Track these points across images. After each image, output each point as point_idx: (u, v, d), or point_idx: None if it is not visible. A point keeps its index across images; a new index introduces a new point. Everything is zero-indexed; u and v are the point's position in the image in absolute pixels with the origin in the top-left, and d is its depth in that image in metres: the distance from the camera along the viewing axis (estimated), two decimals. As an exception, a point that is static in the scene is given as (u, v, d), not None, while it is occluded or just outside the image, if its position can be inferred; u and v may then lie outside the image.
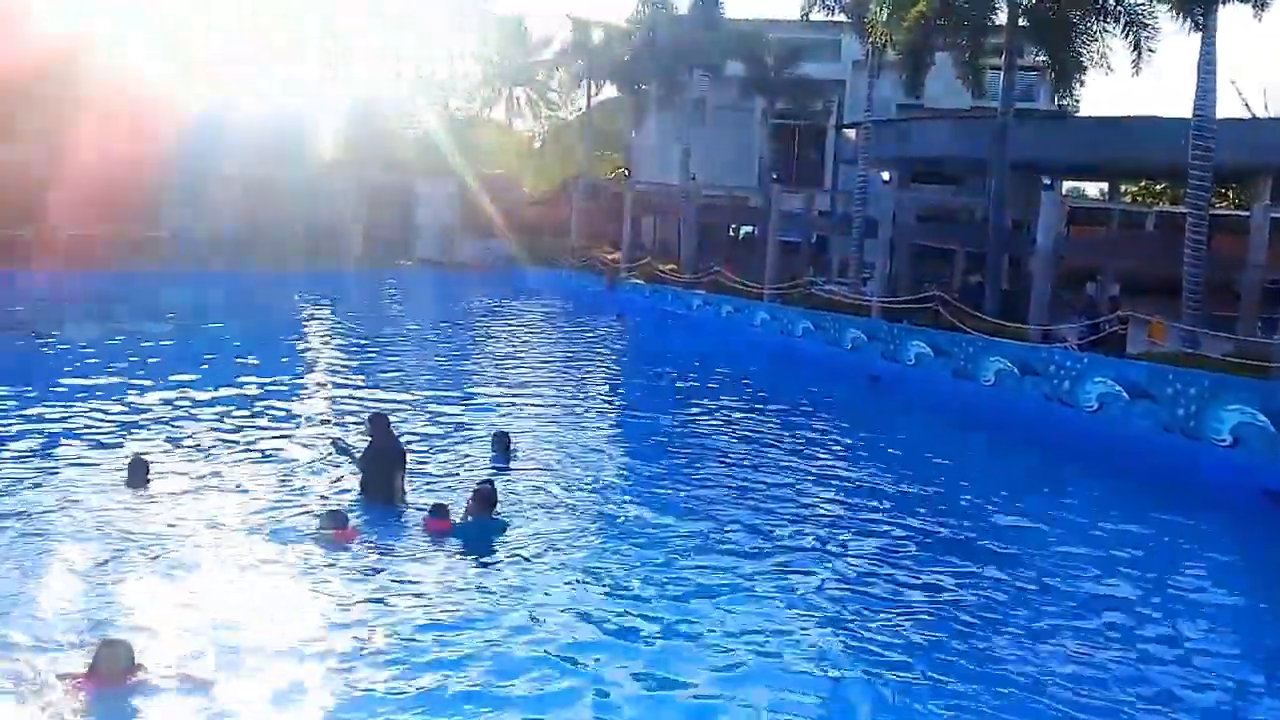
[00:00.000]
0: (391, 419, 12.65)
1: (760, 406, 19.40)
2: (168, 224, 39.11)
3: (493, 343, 27.49)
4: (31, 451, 12.98)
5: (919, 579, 10.18)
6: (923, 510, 12.61)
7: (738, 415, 18.38)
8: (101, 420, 14.85)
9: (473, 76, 60.58)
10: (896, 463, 15.28)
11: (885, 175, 29.03)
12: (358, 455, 11.80)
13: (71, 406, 15.62)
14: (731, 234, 44.97)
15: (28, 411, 15.10)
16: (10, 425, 14.20)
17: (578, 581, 9.54)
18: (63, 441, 13.58)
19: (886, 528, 11.85)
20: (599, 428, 16.96)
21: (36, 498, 11.02)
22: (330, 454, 12.78)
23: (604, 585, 9.47)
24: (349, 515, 10.55)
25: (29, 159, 36.52)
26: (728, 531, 11.21)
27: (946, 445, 17.03)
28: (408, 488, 11.66)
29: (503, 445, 13.86)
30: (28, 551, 9.44)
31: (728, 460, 14.70)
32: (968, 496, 13.65)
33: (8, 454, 12.80)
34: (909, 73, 26.84)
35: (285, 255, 38.58)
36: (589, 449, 14.99)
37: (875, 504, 12.91)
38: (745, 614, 8.96)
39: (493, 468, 13.28)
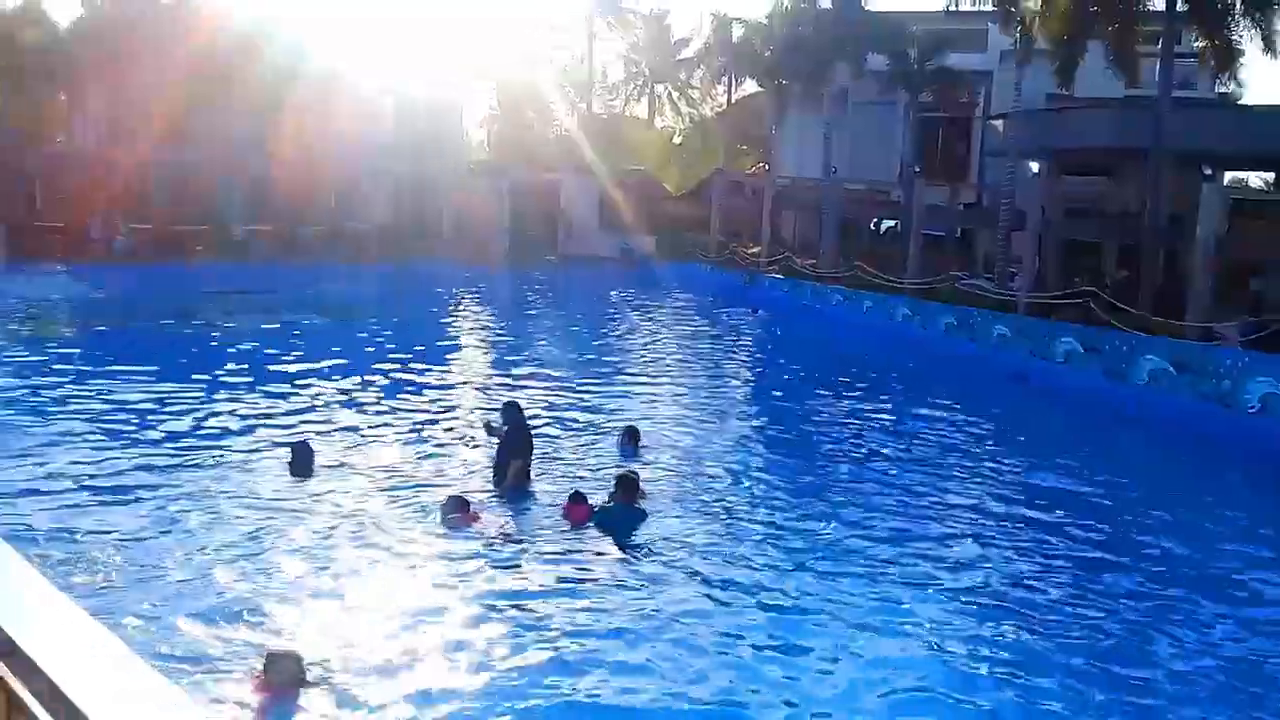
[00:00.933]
0: (525, 408, 13.05)
1: (900, 404, 19.17)
2: (324, 220, 40.75)
3: (631, 337, 27.83)
4: (200, 438, 13.79)
5: (1071, 586, 9.89)
6: (1073, 514, 12.22)
7: (876, 412, 18.21)
8: (266, 408, 15.68)
9: (615, 75, 61.32)
10: (1045, 464, 14.86)
11: (1034, 167, 28.23)
12: (501, 438, 12.20)
13: (238, 395, 16.55)
14: (873, 228, 44.35)
15: (198, 399, 16.09)
16: (181, 413, 15.12)
17: (710, 576, 9.59)
18: (230, 428, 14.40)
19: (1035, 532, 11.51)
20: (735, 422, 17.02)
21: (206, 485, 11.57)
22: (476, 438, 13.20)
23: (736, 582, 9.47)
24: (470, 500, 10.84)
25: (201, 159, 38.66)
26: (863, 530, 11.11)
27: (1098, 447, 16.49)
28: (533, 474, 12.00)
29: (632, 440, 14.06)
30: (197, 542, 9.78)
31: (865, 458, 14.59)
32: (1121, 501, 13.21)
33: (179, 442, 13.64)
34: (1059, 62, 26.06)
35: (433, 251, 39.83)
36: (724, 443, 15.09)
37: (1022, 507, 12.54)
38: (882, 616, 8.87)
39: (621, 460, 13.52)
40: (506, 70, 52.72)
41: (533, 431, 12.71)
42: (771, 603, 9.00)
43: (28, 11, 41.16)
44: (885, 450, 15.05)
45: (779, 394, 20.45)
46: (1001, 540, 11.15)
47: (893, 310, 27.79)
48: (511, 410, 12.43)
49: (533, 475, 12.03)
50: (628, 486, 10.95)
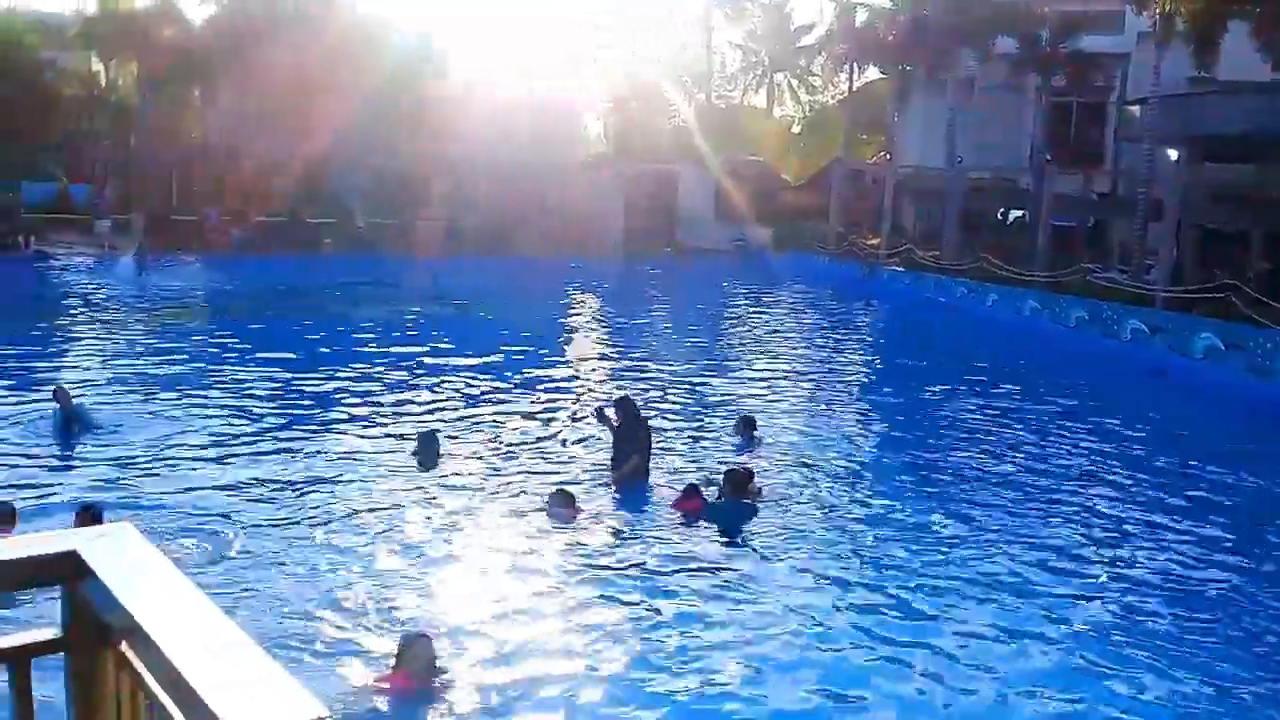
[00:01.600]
0: (639, 400, 12.94)
1: (1027, 401, 18.45)
2: (443, 212, 41.40)
3: (747, 328, 27.52)
4: (327, 426, 14.06)
5: (1211, 594, 9.35)
6: (1213, 520, 11.54)
7: (1001, 408, 17.56)
8: (389, 398, 15.92)
9: (734, 64, 60.87)
10: (1182, 465, 14.11)
11: (1173, 154, 26.94)
12: (615, 429, 12.10)
13: (363, 384, 16.87)
14: (999, 218, 43.02)
15: (324, 387, 16.43)
16: (308, 401, 15.46)
17: (820, 574, 9.33)
18: (355, 417, 14.63)
19: (1170, 536, 10.88)
20: (852, 416, 16.64)
21: (332, 473, 11.74)
22: (588, 427, 13.14)
23: (846, 582, 9.19)
24: (575, 494, 10.77)
25: (328, 153, 39.63)
26: (984, 534, 10.65)
27: (1241, 448, 15.57)
28: (650, 467, 11.88)
29: (748, 428, 13.83)
30: (327, 531, 9.88)
31: (989, 455, 14.05)
32: (1266, 507, 12.45)
33: (306, 428, 13.93)
34: (1200, 44, 24.76)
35: (551, 242, 40.08)
36: (841, 437, 14.74)
37: (1156, 510, 11.89)
38: (1005, 620, 8.48)
39: (736, 450, 13.32)
40: (624, 62, 52.76)
41: (649, 425, 12.56)
42: (882, 605, 8.68)
43: (165, 10, 42.78)
44: (1011, 450, 14.46)
45: (898, 389, 19.90)
46: (1142, 547, 10.56)
47: (1020, 304, 26.86)
48: (626, 404, 12.32)
49: (649, 469, 11.90)
50: (737, 482, 10.73)
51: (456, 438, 13.37)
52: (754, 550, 9.87)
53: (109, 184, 41.35)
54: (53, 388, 13.62)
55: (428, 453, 12.11)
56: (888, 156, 43.78)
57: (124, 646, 1.84)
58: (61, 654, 2.03)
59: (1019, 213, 41.17)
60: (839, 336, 26.50)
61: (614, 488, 11.48)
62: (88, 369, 17.89)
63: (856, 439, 14.84)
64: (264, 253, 35.30)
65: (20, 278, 30.22)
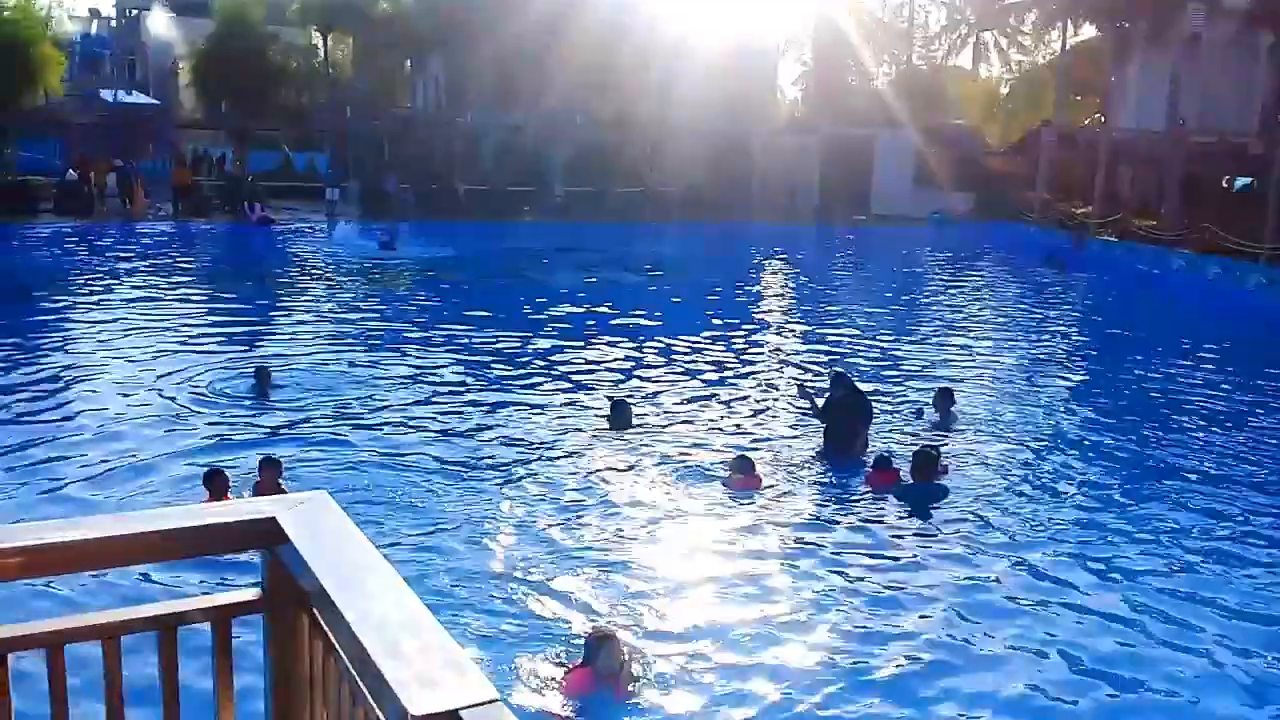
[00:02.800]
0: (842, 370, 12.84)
1: (1248, 381, 17.27)
2: (636, 180, 41.82)
3: (947, 299, 26.75)
4: (518, 393, 14.47)
5: None
6: None
7: (1220, 390, 16.51)
8: (584, 362, 16.35)
9: (936, 23, 58.87)
10: None
11: None
12: (820, 405, 12.03)
13: (559, 348, 17.35)
14: (1225, 186, 40.23)
15: (516, 354, 16.98)
16: (499, 368, 16.00)
17: (1012, 560, 9.04)
18: (552, 381, 15.07)
19: None
20: (1056, 394, 15.95)
21: (524, 441, 12.00)
22: (795, 397, 13.13)
23: (1039, 571, 8.85)
24: (755, 462, 10.75)
25: (527, 122, 40.69)
26: (1194, 528, 9.98)
27: None
28: (869, 442, 11.78)
29: (946, 402, 13.49)
30: (517, 502, 9.99)
31: (1204, 439, 13.24)
32: None
33: (497, 394, 14.41)
34: None
35: (745, 209, 39.95)
36: (1043, 416, 14.20)
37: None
38: (1220, 617, 8.04)
39: (933, 426, 13.04)
40: (821, 24, 51.73)
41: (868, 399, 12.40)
42: (1075, 600, 8.26)
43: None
44: (1229, 437, 13.56)
45: (1108, 367, 18.95)
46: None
47: (1244, 278, 25.13)
48: (842, 379, 12.24)
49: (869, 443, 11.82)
50: (924, 464, 10.49)
51: (649, 405, 13.58)
52: (940, 529, 9.67)
53: (326, 153, 43.67)
54: (255, 367, 14.29)
55: (620, 420, 12.32)
56: (1102, 119, 41.56)
57: (316, 612, 1.94)
58: (260, 615, 2.17)
59: (1247, 180, 38.40)
60: (1044, 309, 25.43)
61: (827, 461, 11.44)
62: (296, 329, 19.01)
63: (1061, 420, 14.22)
64: (479, 219, 36.50)
65: (246, 242, 32.35)
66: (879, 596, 8.25)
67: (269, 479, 9.27)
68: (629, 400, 12.96)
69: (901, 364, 17.29)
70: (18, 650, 2.03)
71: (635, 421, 12.47)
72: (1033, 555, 9.17)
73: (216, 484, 9.12)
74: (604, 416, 12.55)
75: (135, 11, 58.06)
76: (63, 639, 2.06)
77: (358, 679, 1.70)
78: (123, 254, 29.24)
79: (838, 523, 9.83)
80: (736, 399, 14.45)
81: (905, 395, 14.95)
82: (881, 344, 19.01)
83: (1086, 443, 13.04)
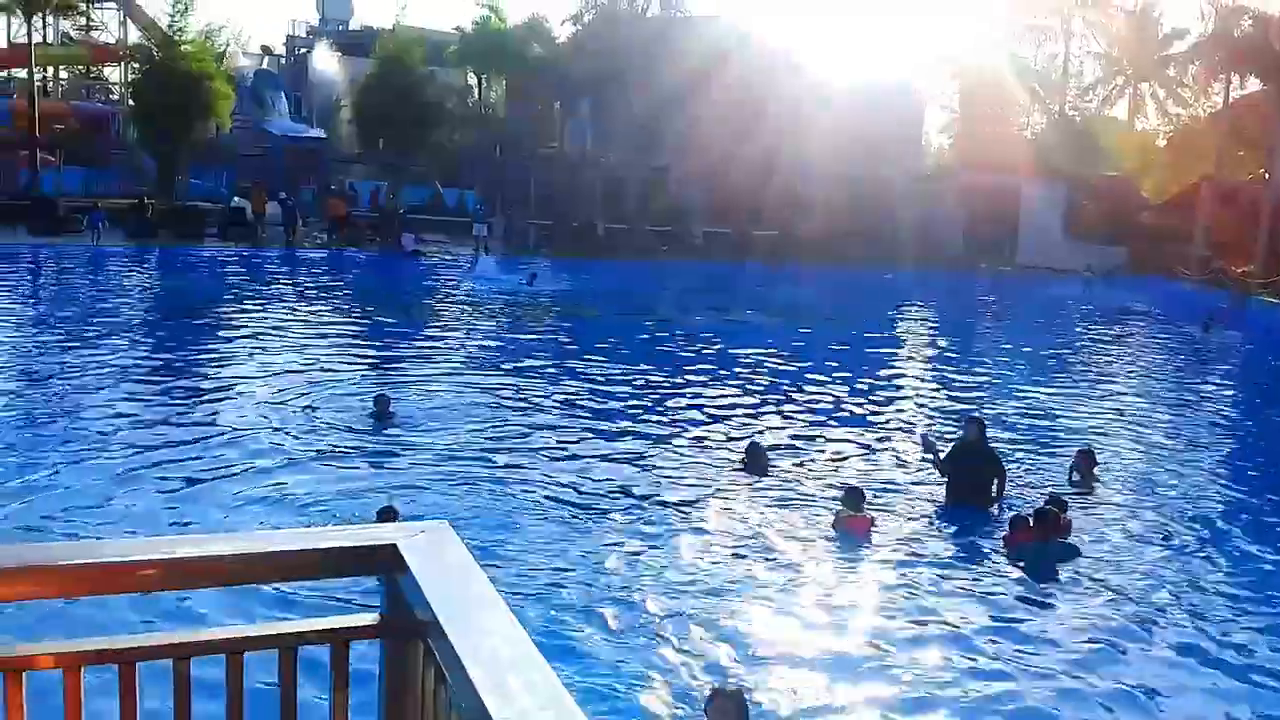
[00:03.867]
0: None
1: None
2: (774, 223, 41.78)
3: (1094, 356, 25.87)
4: (657, 429, 14.53)
5: None
6: None
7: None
8: (719, 403, 16.30)
9: (1092, 73, 57.39)
10: None
11: None
12: (942, 456, 11.80)
13: (695, 388, 17.44)
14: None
15: (658, 388, 17.09)
16: (638, 405, 16.11)
17: (1147, 633, 8.62)
18: (684, 421, 15.07)
19: None
20: (1204, 463, 15.15)
21: (652, 479, 12.04)
22: (920, 450, 12.91)
23: (1174, 642, 8.48)
24: (865, 499, 10.62)
25: (670, 164, 41.21)
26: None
27: None
28: (998, 496, 11.49)
29: (1086, 464, 13.03)
30: (644, 541, 9.97)
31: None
32: None
33: (637, 431, 14.52)
34: None
35: (883, 255, 39.46)
36: (1188, 485, 13.54)
37: None
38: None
39: (1073, 487, 12.60)
40: (970, 71, 50.99)
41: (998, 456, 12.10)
42: (1204, 684, 7.85)
43: (532, 28, 45.91)
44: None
45: (1263, 438, 18.01)
46: None
47: None
48: (975, 425, 12.00)
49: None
50: (1045, 521, 10.12)
51: (784, 450, 13.43)
52: (1069, 593, 9.31)
53: (475, 190, 44.99)
54: (375, 395, 14.46)
55: (756, 465, 12.22)
56: (1266, 175, 39.76)
57: (429, 641, 1.93)
58: (378, 640, 2.18)
59: None
60: (1197, 372, 24.35)
61: (949, 511, 11.20)
62: (431, 358, 19.51)
63: (1209, 492, 13.51)
64: (620, 257, 37.07)
65: (394, 272, 33.49)
66: (991, 658, 8.00)
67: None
68: (762, 444, 12.83)
69: (1041, 422, 16.77)
70: (144, 660, 2.10)
71: (770, 464, 12.35)
72: (1166, 634, 8.73)
73: (388, 520, 8.89)
74: (740, 460, 12.44)
75: (303, 50, 61.08)
76: (188, 652, 2.12)
77: (462, 713, 1.71)
78: (279, 279, 30.68)
79: (953, 579, 9.60)
80: (868, 447, 14.25)
81: (1044, 454, 14.48)
82: (1021, 400, 18.48)
83: (1235, 519, 12.39)
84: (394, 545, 2.12)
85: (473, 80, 51.42)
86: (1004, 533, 10.44)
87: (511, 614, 1.88)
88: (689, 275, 34.16)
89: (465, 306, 27.25)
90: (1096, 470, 13.01)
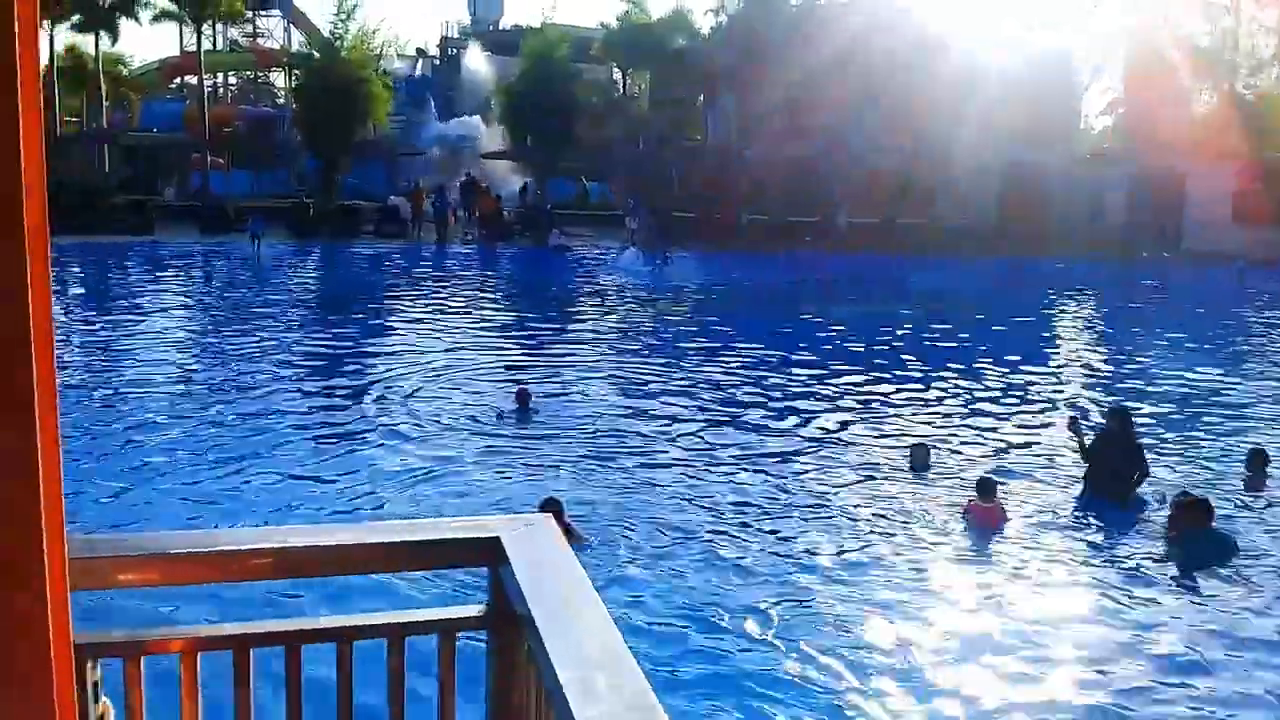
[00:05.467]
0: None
1: None
2: (930, 212, 40.83)
3: (1258, 349, 24.40)
4: (796, 424, 14.28)
5: None
6: None
7: None
8: (865, 397, 15.99)
9: (1267, 49, 54.05)
10: None
11: None
12: (1086, 444, 11.36)
13: (839, 381, 17.14)
14: None
15: (801, 381, 16.93)
16: (780, 398, 15.97)
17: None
18: (828, 416, 14.75)
19: None
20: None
21: (822, 477, 11.72)
22: (1070, 436, 12.41)
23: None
24: (999, 487, 10.25)
25: (815, 154, 40.75)
26: None
27: None
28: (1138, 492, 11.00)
29: (1259, 464, 12.30)
30: (789, 536, 9.74)
31: None
32: None
33: (776, 426, 14.38)
34: None
35: (1040, 243, 38.11)
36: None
37: None
38: None
39: (1244, 488, 11.94)
40: (1134, 49, 48.70)
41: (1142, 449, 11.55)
42: None
43: (676, 20, 46.02)
44: None
45: None
46: None
47: None
48: (1119, 417, 11.52)
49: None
50: (1197, 510, 9.55)
51: (943, 447, 12.90)
52: (1230, 588, 8.85)
53: (619, 184, 45.43)
54: (518, 388, 14.49)
55: (919, 462, 11.91)
56: None
57: (526, 634, 1.94)
58: (484, 632, 2.21)
59: None
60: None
61: (1089, 503, 10.79)
62: (569, 351, 19.67)
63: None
64: (763, 249, 36.94)
65: (541, 266, 34.12)
66: (1120, 653, 7.64)
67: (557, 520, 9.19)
68: (927, 444, 12.47)
69: (1205, 418, 15.91)
70: (259, 646, 2.18)
71: (934, 463, 11.99)
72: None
73: (549, 510, 9.02)
74: (908, 463, 12.06)
75: (456, 51, 62.70)
76: (301, 639, 2.20)
77: (550, 708, 1.72)
78: (429, 274, 31.63)
79: (1086, 570, 9.23)
80: (1016, 439, 13.73)
81: (1210, 452, 13.74)
82: (1184, 394, 17.59)
83: None
84: (497, 537, 2.16)
85: (617, 75, 51.89)
86: (1158, 519, 9.99)
87: (606, 611, 1.88)
88: (834, 266, 33.72)
89: (608, 300, 27.54)
90: (1268, 471, 12.27)
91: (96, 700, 2.08)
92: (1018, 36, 40.61)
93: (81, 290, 27.91)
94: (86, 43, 43.60)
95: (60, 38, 42.91)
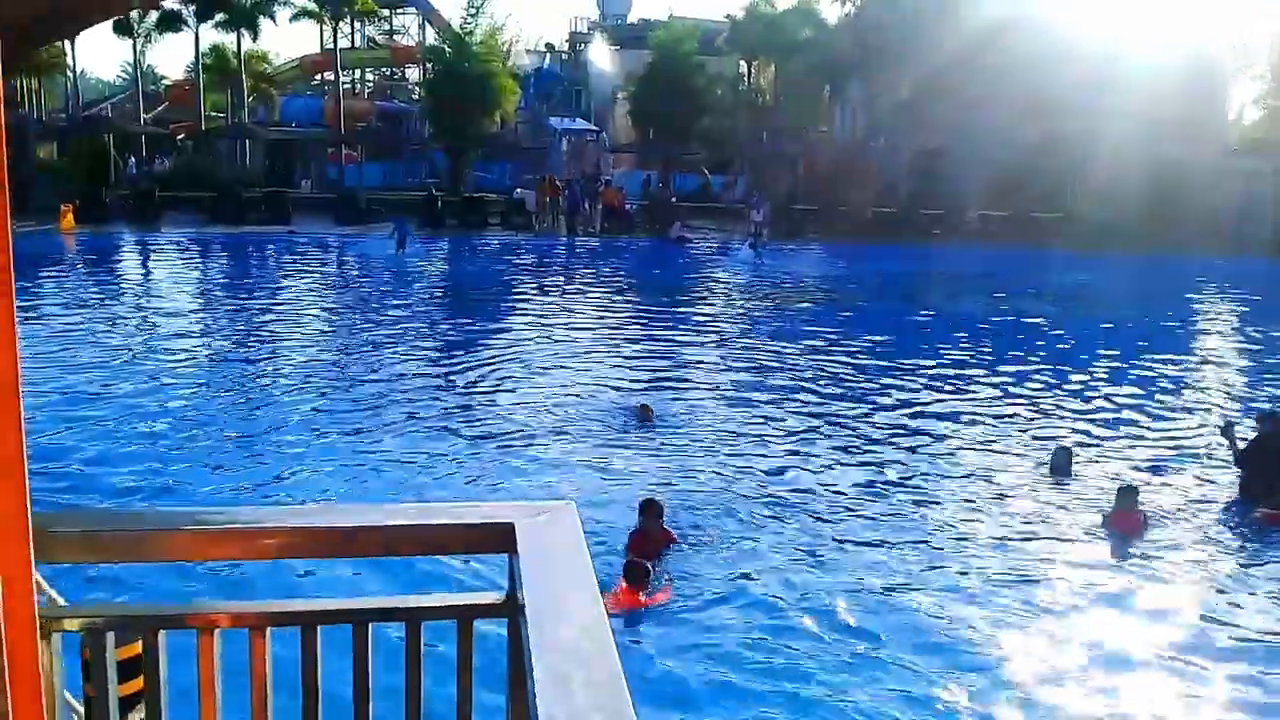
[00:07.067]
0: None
1: None
2: (1066, 205, 39.47)
3: None
4: (924, 422, 13.87)
5: None
6: None
7: None
8: (1007, 400, 15.30)
9: None
10: None
11: None
12: (1240, 450, 10.75)
13: (969, 378, 16.68)
14: None
15: (927, 378, 16.49)
16: (908, 394, 15.53)
17: None
18: (977, 417, 14.19)
19: None
20: None
21: (956, 481, 11.28)
22: (1221, 441, 11.74)
23: None
24: (1139, 498, 9.73)
25: (944, 146, 39.80)
26: None
27: None
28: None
29: None
30: (913, 540, 9.41)
31: None
32: None
33: (889, 427, 13.99)
34: None
35: (1186, 240, 36.40)
36: None
37: None
38: None
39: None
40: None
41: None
42: None
43: (803, 11, 45.50)
44: None
45: None
46: None
47: None
48: (1271, 422, 10.89)
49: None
50: None
51: (1081, 451, 12.21)
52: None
53: (740, 176, 45.16)
54: (639, 405, 13.77)
55: (1061, 466, 11.35)
56: None
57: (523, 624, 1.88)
58: (503, 619, 2.17)
59: None
60: None
61: (1241, 509, 10.21)
62: (688, 345, 19.49)
63: None
64: (885, 240, 36.31)
65: (662, 258, 34.11)
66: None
67: (653, 522, 8.79)
68: (1068, 448, 11.85)
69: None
70: (277, 626, 2.18)
71: (1075, 470, 11.38)
72: None
73: (651, 514, 8.86)
74: (1045, 462, 11.57)
75: (583, 45, 63.19)
76: (317, 620, 2.19)
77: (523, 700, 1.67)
78: (554, 266, 31.96)
79: (1237, 580, 8.77)
80: (1175, 449, 12.92)
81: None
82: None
83: None
84: (511, 524, 2.13)
85: (743, 67, 51.54)
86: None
87: (602, 609, 1.82)
88: (964, 260, 32.83)
89: (728, 292, 27.35)
90: None
91: (122, 679, 2.15)
92: (1159, 24, 38.86)
93: (227, 277, 29.05)
94: (230, 41, 45.29)
95: (206, 37, 44.71)
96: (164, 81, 62.38)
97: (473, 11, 42.88)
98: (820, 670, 7.05)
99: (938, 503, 10.57)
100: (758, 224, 35.39)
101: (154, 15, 43.36)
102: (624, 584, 7.85)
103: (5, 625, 1.32)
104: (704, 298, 26.61)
